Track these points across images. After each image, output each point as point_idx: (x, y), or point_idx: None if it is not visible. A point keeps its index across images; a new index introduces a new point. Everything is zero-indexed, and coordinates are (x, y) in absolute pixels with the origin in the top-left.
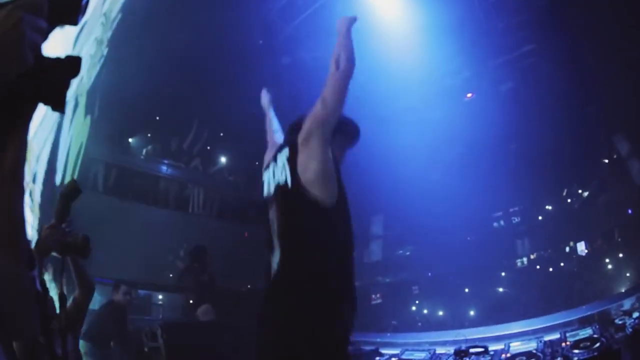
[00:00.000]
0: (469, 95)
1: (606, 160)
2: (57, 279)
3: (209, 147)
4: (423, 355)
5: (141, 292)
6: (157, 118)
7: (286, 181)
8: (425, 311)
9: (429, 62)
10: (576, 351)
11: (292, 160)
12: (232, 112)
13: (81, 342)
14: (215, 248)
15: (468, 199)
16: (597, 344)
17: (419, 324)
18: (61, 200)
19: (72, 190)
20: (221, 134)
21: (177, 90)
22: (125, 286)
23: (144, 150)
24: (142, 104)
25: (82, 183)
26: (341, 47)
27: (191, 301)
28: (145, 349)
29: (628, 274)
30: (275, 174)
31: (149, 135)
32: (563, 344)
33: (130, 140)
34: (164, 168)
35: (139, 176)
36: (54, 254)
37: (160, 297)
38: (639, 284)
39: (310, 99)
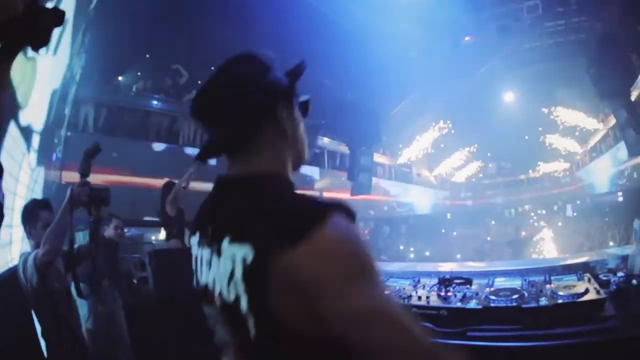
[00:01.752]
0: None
1: None
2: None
3: (199, 82)
4: (407, 282)
5: (132, 231)
6: (147, 56)
7: None
8: (412, 249)
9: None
10: (561, 293)
11: None
12: (224, 45)
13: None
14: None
15: None
16: (582, 290)
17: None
18: (85, 159)
19: (95, 151)
20: (212, 68)
21: (166, 25)
22: (116, 220)
23: (134, 87)
24: (130, 43)
25: (73, 124)
26: None
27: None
28: (134, 281)
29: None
30: None
31: (139, 73)
32: (547, 286)
33: (120, 78)
34: (155, 103)
35: (130, 113)
36: None
37: (152, 237)
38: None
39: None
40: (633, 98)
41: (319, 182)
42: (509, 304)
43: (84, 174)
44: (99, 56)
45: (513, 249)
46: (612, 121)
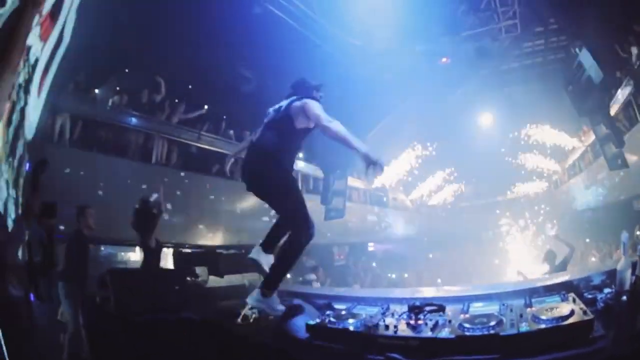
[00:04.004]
0: (444, 59)
1: None
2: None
3: (177, 100)
4: (375, 310)
5: (106, 249)
6: (126, 70)
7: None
8: (392, 275)
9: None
10: (544, 317)
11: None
12: (201, 64)
13: (60, 284)
14: (177, 198)
15: None
16: (567, 312)
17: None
18: (34, 174)
19: (42, 165)
20: (189, 86)
21: (144, 41)
22: (89, 209)
23: (110, 101)
24: (108, 56)
25: (48, 135)
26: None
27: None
28: (97, 299)
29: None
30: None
31: (117, 88)
32: (528, 309)
33: (96, 91)
34: (131, 119)
35: (105, 127)
36: None
37: (130, 255)
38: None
39: (274, 52)
40: (612, 113)
41: None
42: (486, 332)
43: (35, 188)
44: (77, 66)
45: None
46: (591, 138)
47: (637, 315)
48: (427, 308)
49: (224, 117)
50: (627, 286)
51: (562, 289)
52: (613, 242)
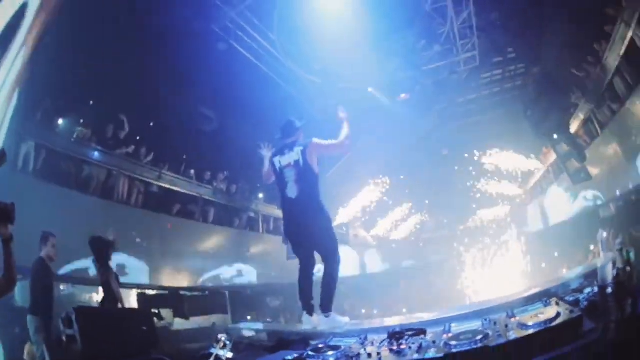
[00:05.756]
0: (403, 95)
1: None
2: None
3: (138, 137)
4: (353, 340)
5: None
6: (91, 102)
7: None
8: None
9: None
10: (531, 323)
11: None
12: (163, 102)
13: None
14: (135, 237)
15: None
16: (554, 314)
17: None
18: None
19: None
20: (151, 124)
21: (108, 76)
22: (53, 237)
23: (75, 133)
24: (75, 87)
25: (12, 161)
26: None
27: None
28: (63, 338)
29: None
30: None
31: (81, 120)
32: (512, 319)
33: (60, 121)
34: (94, 153)
35: (67, 159)
36: None
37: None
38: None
39: (235, 90)
40: (572, 131)
41: (254, 246)
42: (474, 346)
43: None
44: (44, 94)
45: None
46: (551, 159)
47: (623, 303)
48: (408, 333)
49: (184, 156)
50: (610, 279)
51: (542, 297)
52: (583, 252)
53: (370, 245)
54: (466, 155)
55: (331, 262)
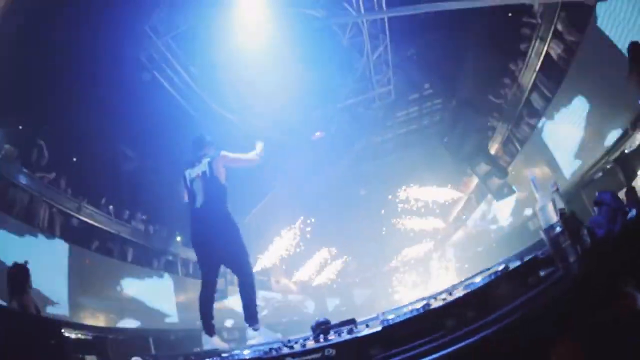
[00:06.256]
0: (318, 133)
1: None
2: None
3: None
4: (276, 345)
5: None
6: (20, 127)
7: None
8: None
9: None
10: (478, 280)
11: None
12: (85, 132)
13: None
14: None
15: None
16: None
17: None
18: None
19: None
20: (74, 159)
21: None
22: None
23: (3, 151)
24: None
25: None
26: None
27: None
28: None
29: None
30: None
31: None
32: (455, 291)
33: None
34: (20, 176)
35: None
36: None
37: None
38: None
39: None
40: (492, 152)
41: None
42: (416, 314)
43: None
44: None
45: None
46: (471, 186)
47: (578, 236)
48: (335, 324)
49: (104, 192)
50: (553, 219)
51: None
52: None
53: (292, 291)
54: (386, 193)
55: (243, 273)
